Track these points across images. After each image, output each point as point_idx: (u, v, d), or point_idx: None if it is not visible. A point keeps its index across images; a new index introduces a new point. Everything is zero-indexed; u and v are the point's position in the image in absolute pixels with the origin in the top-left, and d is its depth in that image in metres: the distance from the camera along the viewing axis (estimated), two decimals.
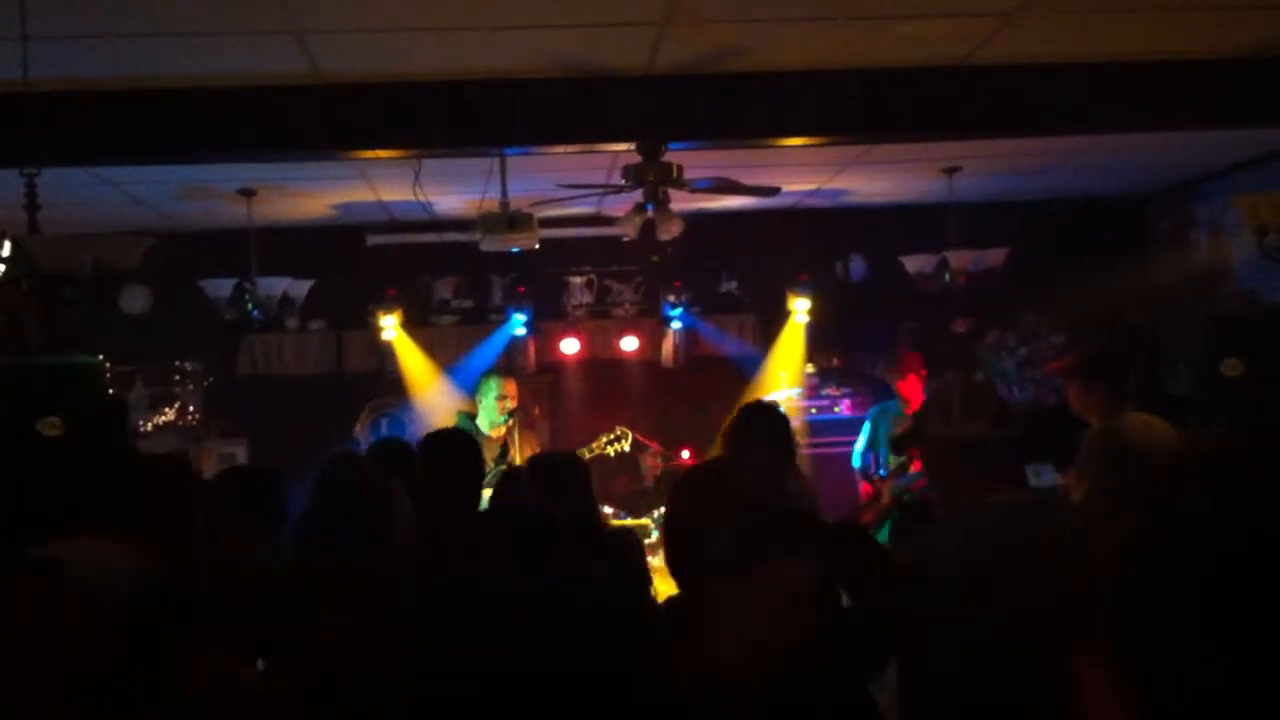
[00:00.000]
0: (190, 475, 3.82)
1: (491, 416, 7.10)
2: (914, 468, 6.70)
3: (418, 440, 5.11)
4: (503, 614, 3.19)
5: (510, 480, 4.76)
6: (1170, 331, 8.31)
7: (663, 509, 4.32)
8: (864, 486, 7.66)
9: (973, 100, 5.68)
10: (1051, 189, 8.95)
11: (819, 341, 9.56)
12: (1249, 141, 7.18)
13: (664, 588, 3.63)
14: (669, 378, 9.65)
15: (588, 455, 7.10)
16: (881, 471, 7.25)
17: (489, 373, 7.49)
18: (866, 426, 7.91)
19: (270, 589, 3.43)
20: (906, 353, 8.00)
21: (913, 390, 7.61)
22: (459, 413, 7.48)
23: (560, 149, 6.12)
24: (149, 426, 9.23)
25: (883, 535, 6.37)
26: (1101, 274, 8.65)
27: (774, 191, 6.60)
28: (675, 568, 2.94)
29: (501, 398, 7.10)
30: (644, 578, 4.02)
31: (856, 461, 7.82)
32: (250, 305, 8.02)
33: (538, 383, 9.57)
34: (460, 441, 4.82)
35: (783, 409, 5.12)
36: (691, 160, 6.13)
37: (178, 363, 9.44)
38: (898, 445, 6.85)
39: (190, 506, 3.30)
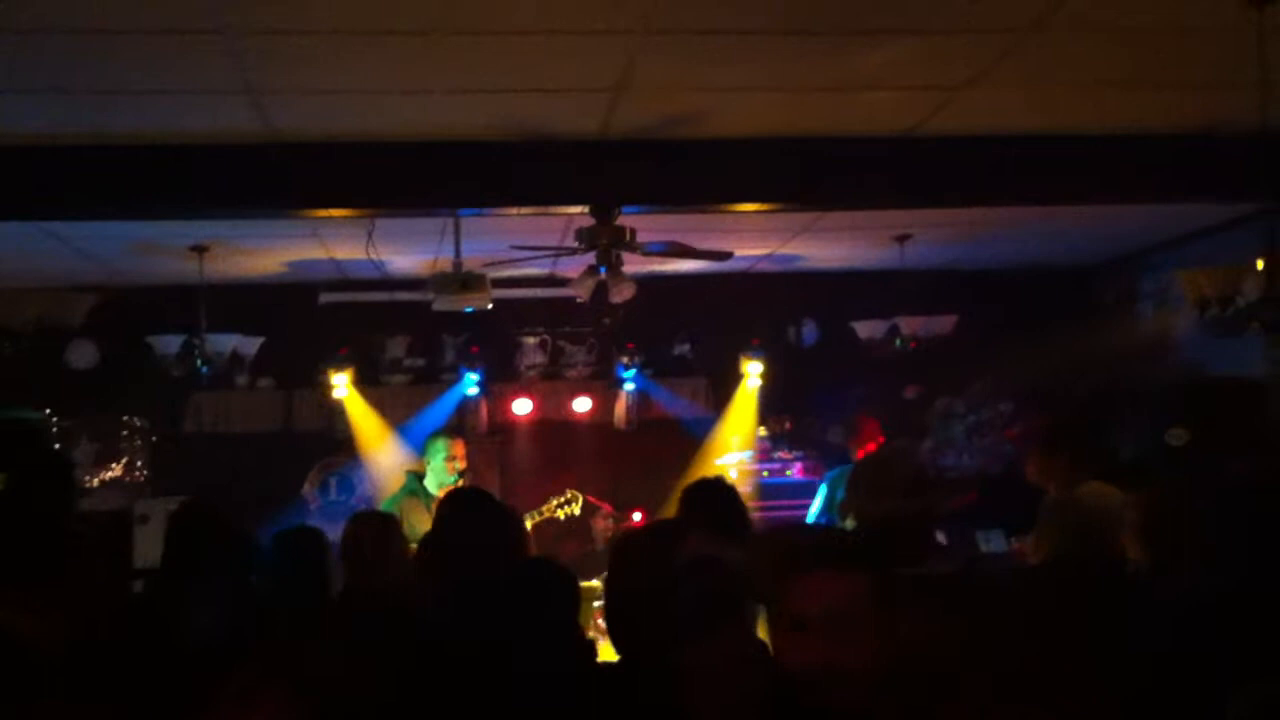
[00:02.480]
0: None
1: (440, 477, 7.05)
2: None
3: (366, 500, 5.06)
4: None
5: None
6: (1117, 400, 8.39)
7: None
8: None
9: (920, 170, 5.75)
10: (1001, 257, 9.04)
11: (771, 405, 9.58)
12: (1194, 214, 7.28)
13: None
14: (621, 440, 9.63)
15: (537, 518, 7.07)
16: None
17: (437, 433, 7.43)
18: (823, 489, 7.87)
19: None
20: (865, 419, 8.04)
21: None
22: (407, 473, 7.42)
23: (514, 211, 6.14)
24: (94, 482, 9.12)
25: None
26: (1049, 342, 8.73)
27: (726, 256, 6.64)
28: (617, 634, 2.91)
29: (450, 458, 7.06)
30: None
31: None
32: (199, 362, 7.93)
33: (489, 443, 9.52)
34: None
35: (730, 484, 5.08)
36: (645, 224, 6.16)
37: (125, 418, 9.32)
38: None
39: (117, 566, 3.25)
